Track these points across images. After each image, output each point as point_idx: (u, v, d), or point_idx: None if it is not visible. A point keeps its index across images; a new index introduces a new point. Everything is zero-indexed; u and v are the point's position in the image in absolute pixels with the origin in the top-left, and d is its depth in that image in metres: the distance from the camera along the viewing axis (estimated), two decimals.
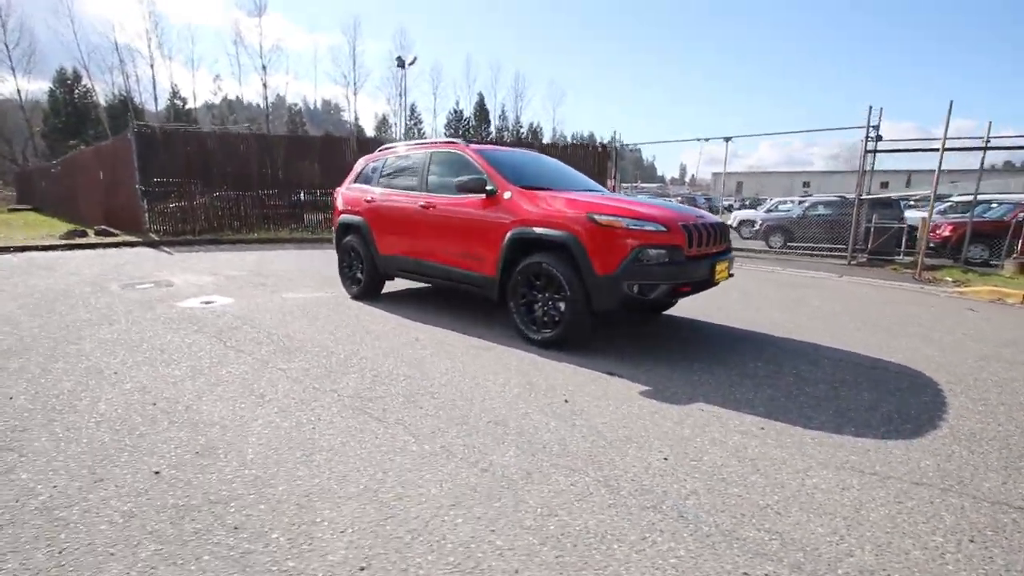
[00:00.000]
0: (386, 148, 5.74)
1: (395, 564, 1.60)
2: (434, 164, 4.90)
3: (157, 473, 2.09)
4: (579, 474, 2.13)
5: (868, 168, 10.97)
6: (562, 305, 3.75)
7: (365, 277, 5.50)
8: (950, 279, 8.02)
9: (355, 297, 5.66)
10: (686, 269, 3.54)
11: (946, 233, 11.18)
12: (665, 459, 2.27)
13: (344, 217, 5.73)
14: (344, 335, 4.20)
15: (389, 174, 5.39)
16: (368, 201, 5.40)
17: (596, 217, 3.55)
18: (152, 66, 48.12)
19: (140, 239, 11.47)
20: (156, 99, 49.99)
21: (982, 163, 10.31)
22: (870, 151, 10.91)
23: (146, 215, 12.27)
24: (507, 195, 4.09)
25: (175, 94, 50.12)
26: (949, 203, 14.80)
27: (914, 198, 16.42)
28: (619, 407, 2.82)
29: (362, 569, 1.57)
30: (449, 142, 4.93)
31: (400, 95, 51.52)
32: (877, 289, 7.37)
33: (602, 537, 1.74)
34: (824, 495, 2.02)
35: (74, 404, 2.78)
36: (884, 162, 12.40)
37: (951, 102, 9.02)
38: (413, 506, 1.89)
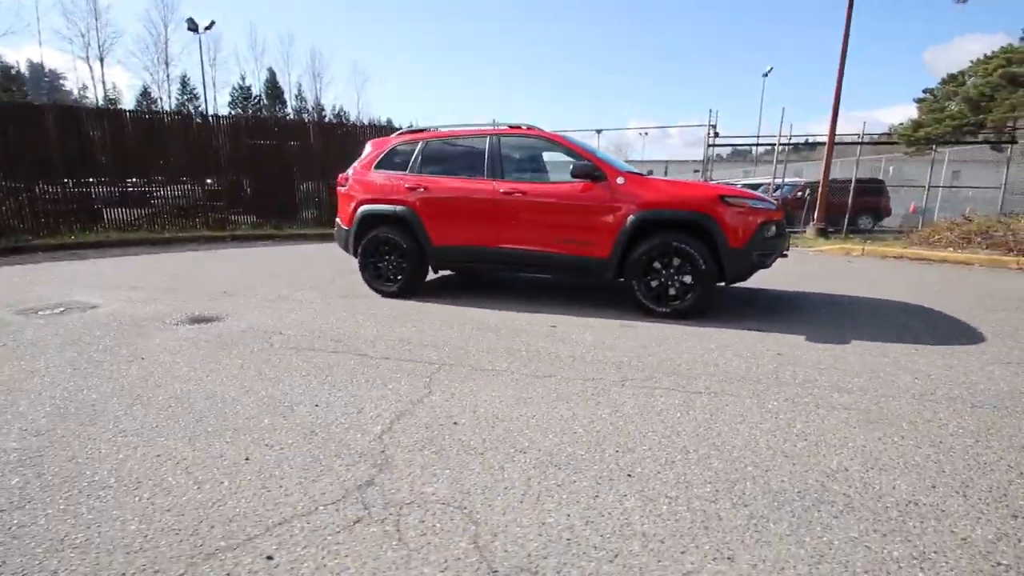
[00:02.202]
0: (409, 132, 5.28)
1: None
2: (507, 149, 4.77)
3: None
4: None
5: (711, 157, 13.71)
6: (688, 278, 4.20)
7: (408, 272, 5.04)
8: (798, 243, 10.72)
9: (390, 295, 5.14)
10: (787, 239, 4.34)
11: None
12: (779, 354, 2.98)
13: (371, 208, 5.11)
14: (524, 345, 3.96)
15: (435, 160, 5.01)
16: (413, 189, 4.93)
17: (728, 199, 4.09)
18: None
19: None
20: None
21: (775, 154, 13.80)
22: (711, 144, 13.62)
23: None
24: (620, 180, 4.32)
25: None
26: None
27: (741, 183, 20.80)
28: (818, 348, 3.45)
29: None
30: (524, 127, 4.85)
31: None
32: None
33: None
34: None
35: None
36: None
37: (783, 108, 11.89)
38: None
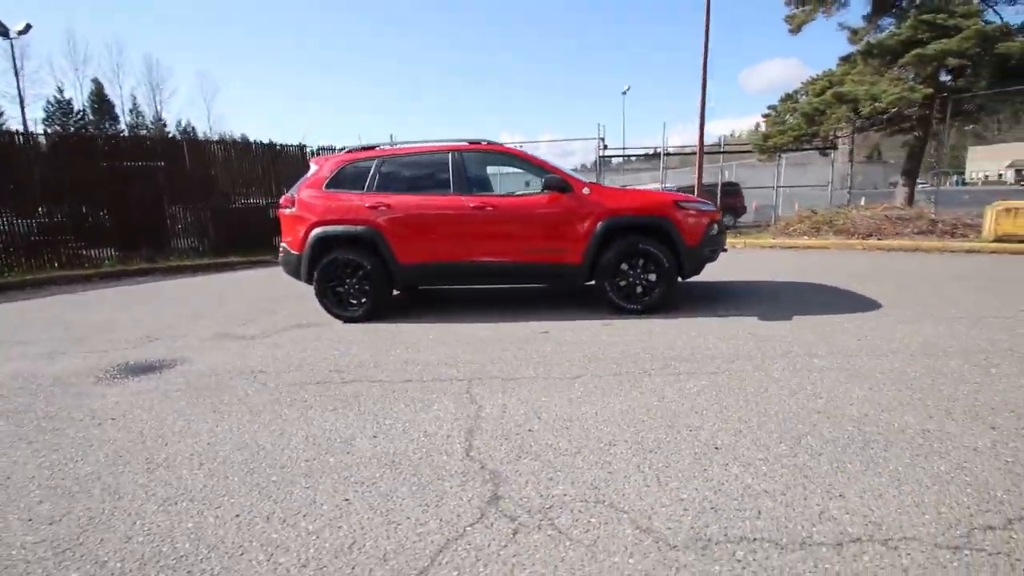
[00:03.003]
0: (359, 149, 5.11)
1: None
2: (470, 164, 4.85)
3: None
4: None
5: (601, 167, 14.93)
6: (652, 276, 4.64)
7: (373, 295, 4.87)
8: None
9: (353, 320, 4.91)
10: (725, 236, 4.99)
11: None
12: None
13: (327, 230, 4.84)
14: (512, 354, 3.99)
15: (394, 177, 4.90)
16: (375, 208, 4.78)
17: (682, 204, 4.61)
18: None
19: None
20: None
21: (662, 162, 15.47)
22: (601, 155, 14.84)
23: None
24: (585, 191, 4.64)
25: None
26: None
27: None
28: (776, 326, 4.05)
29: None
30: (484, 143, 4.96)
31: None
32: None
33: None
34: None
35: None
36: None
37: (664, 123, 13.37)
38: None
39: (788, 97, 12.84)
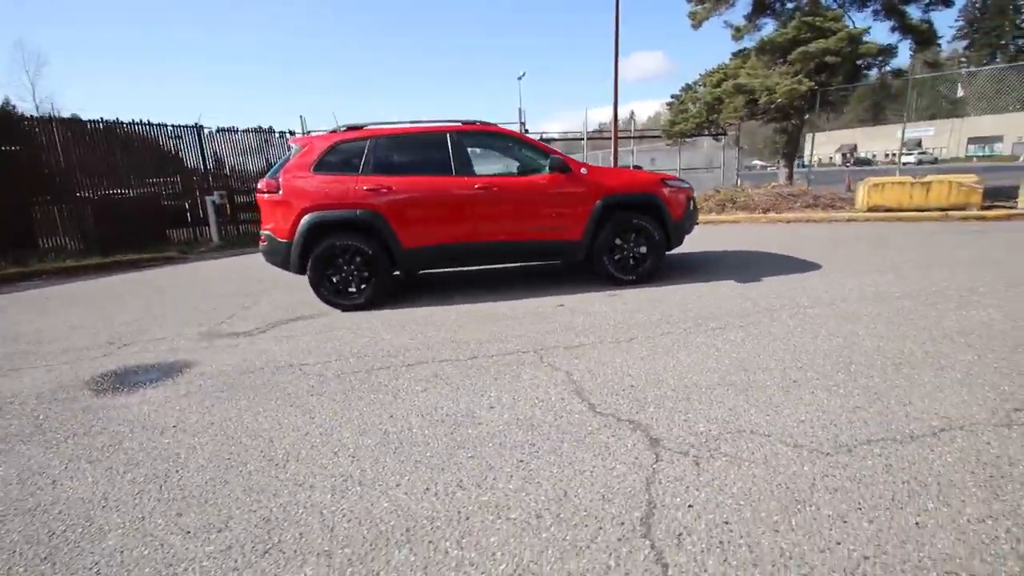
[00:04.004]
0: (347, 130, 4.88)
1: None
2: (468, 146, 4.86)
3: None
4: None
5: None
6: (644, 249, 5.08)
7: (376, 281, 4.75)
8: None
9: (353, 308, 4.76)
10: (698, 211, 5.58)
11: None
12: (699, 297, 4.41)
13: (322, 215, 4.60)
14: (535, 331, 4.12)
15: (389, 159, 4.76)
16: (375, 190, 4.63)
17: (668, 182, 5.08)
18: None
19: None
20: None
21: (584, 146, 16.22)
22: None
23: None
24: (583, 171, 4.92)
25: None
26: None
27: None
28: (753, 287, 4.68)
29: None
30: (478, 123, 4.98)
31: None
32: None
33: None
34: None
35: None
36: None
37: (586, 109, 14.01)
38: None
39: (688, 88, 14.19)
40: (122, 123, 10.99)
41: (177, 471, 2.17)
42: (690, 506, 1.75)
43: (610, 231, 4.94)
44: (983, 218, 8.44)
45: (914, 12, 11.98)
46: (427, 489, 1.93)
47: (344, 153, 4.72)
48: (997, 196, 9.21)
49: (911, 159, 43.44)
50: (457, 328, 4.00)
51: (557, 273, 5.94)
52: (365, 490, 1.95)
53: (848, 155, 49.43)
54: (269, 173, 4.91)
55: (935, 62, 17.71)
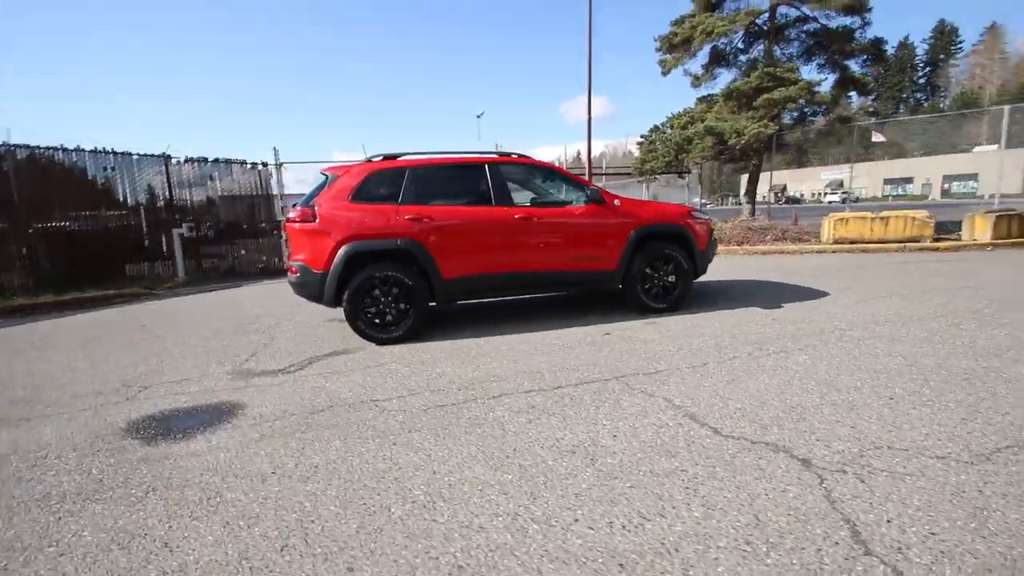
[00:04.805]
0: (383, 159, 4.81)
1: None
2: (504, 177, 4.89)
3: None
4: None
5: None
6: (672, 278, 5.23)
7: (416, 312, 4.60)
8: None
9: (391, 342, 4.57)
10: (717, 242, 5.83)
11: None
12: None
13: (362, 244, 4.45)
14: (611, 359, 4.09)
15: (427, 188, 4.71)
16: (416, 220, 4.54)
17: (695, 214, 5.30)
18: None
19: None
20: None
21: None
22: None
23: None
24: (616, 202, 5.05)
25: None
26: None
27: None
28: (780, 312, 4.90)
29: None
30: (515, 156, 5.04)
31: None
32: None
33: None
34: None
35: None
36: None
37: (565, 146, 14.39)
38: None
39: (656, 129, 15.04)
40: (81, 150, 10.25)
41: (313, 521, 1.96)
42: (889, 521, 1.76)
43: (642, 261, 5.06)
44: (936, 249, 9.31)
45: (854, 66, 13.40)
46: (611, 523, 1.84)
47: (382, 182, 4.63)
48: (942, 229, 10.22)
49: (836, 198, 47.73)
50: (517, 359, 3.92)
51: (578, 302, 5.97)
52: (545, 528, 1.83)
53: (779, 194, 53.59)
54: (301, 201, 4.72)
55: (846, 116, 19.72)
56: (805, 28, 14.16)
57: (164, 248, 11.55)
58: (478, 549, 1.74)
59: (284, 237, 13.35)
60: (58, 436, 2.97)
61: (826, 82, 12.99)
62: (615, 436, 2.52)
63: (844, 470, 2.10)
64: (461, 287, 4.74)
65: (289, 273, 4.73)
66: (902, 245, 9.63)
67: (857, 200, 46.63)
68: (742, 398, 2.90)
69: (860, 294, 5.70)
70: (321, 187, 4.69)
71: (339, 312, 5.80)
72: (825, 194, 49.48)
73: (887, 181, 51.56)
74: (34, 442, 2.89)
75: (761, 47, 14.53)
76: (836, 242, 10.16)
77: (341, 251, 4.40)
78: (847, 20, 13.33)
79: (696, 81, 15.64)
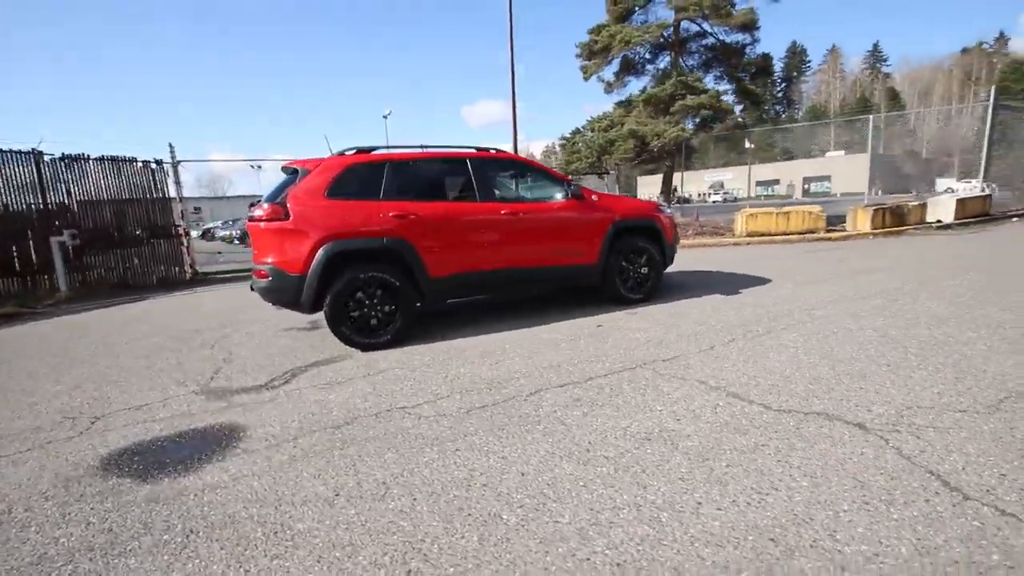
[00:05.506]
0: (359, 152, 4.48)
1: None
2: (487, 172, 4.77)
3: None
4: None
5: None
6: (645, 270, 5.45)
7: (402, 314, 4.34)
8: None
9: (377, 347, 4.27)
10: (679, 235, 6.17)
11: None
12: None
13: (345, 243, 4.10)
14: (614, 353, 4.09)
15: (409, 183, 4.46)
16: (401, 216, 4.27)
17: (660, 209, 5.55)
18: None
19: None
20: None
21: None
22: None
23: None
24: (594, 198, 5.15)
25: None
26: None
27: None
28: (742, 298, 5.31)
29: None
30: (493, 150, 4.92)
31: None
32: None
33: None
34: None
35: None
36: None
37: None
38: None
39: (577, 131, 15.64)
40: None
41: (423, 541, 1.77)
42: (963, 468, 1.98)
43: (619, 254, 5.21)
44: (830, 239, 10.66)
45: (745, 78, 14.93)
46: (734, 501, 1.87)
47: (361, 177, 4.30)
48: (829, 222, 11.72)
49: (718, 198, 52.89)
50: (526, 355, 3.84)
51: (550, 298, 5.99)
52: (676, 514, 1.81)
53: (672, 194, 58.23)
54: (267, 197, 4.24)
55: (740, 123, 22.02)
56: (704, 42, 15.55)
57: (35, 259, 9.78)
58: (625, 544, 1.67)
59: (186, 244, 12.02)
60: (12, 484, 2.38)
61: (727, 93, 14.35)
62: (679, 420, 2.56)
63: (897, 430, 2.31)
64: (449, 286, 4.55)
65: (256, 278, 4.23)
66: (802, 236, 10.90)
67: (735, 200, 52.24)
68: (766, 375, 3.09)
69: (796, 280, 6.34)
70: (287, 183, 4.26)
71: (295, 321, 5.37)
72: (709, 195, 54.68)
73: (758, 183, 58.10)
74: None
75: (667, 58, 15.71)
76: (749, 235, 11.24)
77: (321, 251, 4.02)
78: (740, 36, 14.84)
79: (608, 87, 16.53)
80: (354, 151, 4.49)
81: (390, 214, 4.24)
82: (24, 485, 2.37)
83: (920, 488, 1.87)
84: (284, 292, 4.09)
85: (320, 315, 4.28)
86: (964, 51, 68.93)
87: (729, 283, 6.34)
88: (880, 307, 4.59)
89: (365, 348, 4.22)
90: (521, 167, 5.21)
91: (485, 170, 4.76)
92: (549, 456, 2.29)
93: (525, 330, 4.58)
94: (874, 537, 1.64)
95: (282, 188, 4.23)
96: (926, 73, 68.98)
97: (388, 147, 4.61)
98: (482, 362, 3.74)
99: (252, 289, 4.54)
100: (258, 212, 4.11)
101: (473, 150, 4.87)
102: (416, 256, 4.31)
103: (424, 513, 1.92)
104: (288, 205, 4.04)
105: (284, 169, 4.53)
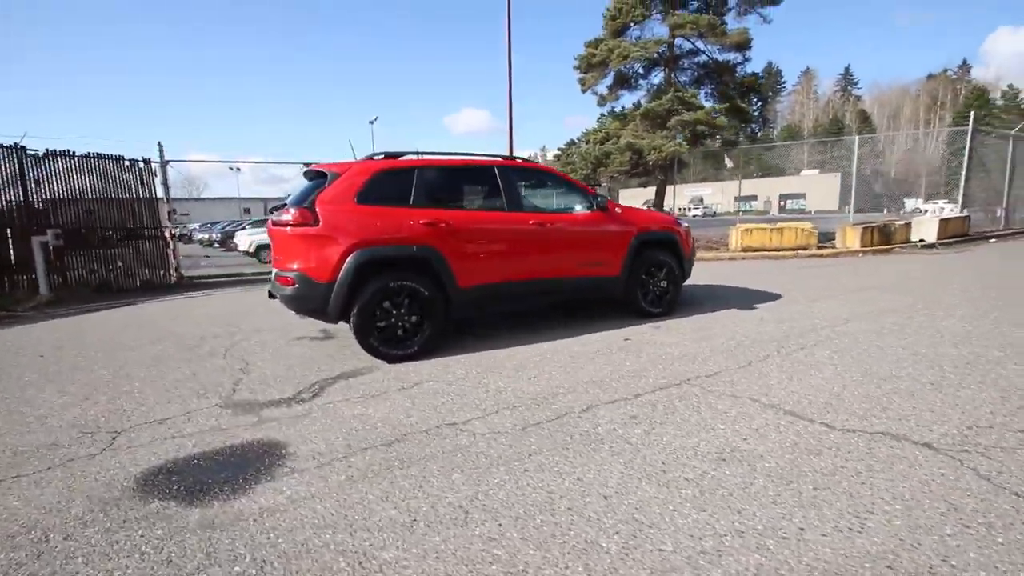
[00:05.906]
0: (387, 157, 4.39)
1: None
2: (515, 181, 4.71)
3: None
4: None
5: None
6: (665, 283, 5.45)
7: (433, 325, 4.23)
8: None
9: (405, 358, 4.15)
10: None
11: None
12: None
13: (376, 251, 3.98)
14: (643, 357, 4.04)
15: (438, 191, 4.38)
16: (432, 224, 4.18)
17: (681, 222, 5.57)
18: None
19: None
20: None
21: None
22: None
23: None
24: (618, 210, 5.14)
25: None
26: None
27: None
28: (760, 311, 5.35)
29: None
30: (520, 160, 4.88)
31: None
32: None
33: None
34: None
35: None
36: None
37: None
38: None
39: (572, 143, 15.74)
40: None
41: (525, 572, 1.67)
42: None
43: (641, 267, 5.20)
44: (822, 255, 10.91)
45: (736, 95, 15.28)
46: (836, 527, 1.83)
47: (391, 183, 4.19)
48: (819, 239, 12.01)
49: (698, 212, 53.96)
50: (564, 369, 3.77)
51: (570, 311, 5.94)
52: (781, 541, 1.76)
53: (661, 207, 59.19)
54: (292, 202, 4.10)
55: (730, 140, 22.53)
56: (696, 60, 15.88)
57: (14, 259, 9.30)
58: (742, 574, 1.61)
59: (172, 247, 11.59)
60: (41, 508, 2.20)
61: (720, 113, 14.64)
62: (745, 439, 2.53)
63: (966, 450, 2.32)
64: (477, 297, 4.45)
65: (280, 284, 4.06)
66: (795, 252, 11.13)
67: (715, 215, 53.34)
68: (815, 393, 3.09)
69: (806, 295, 6.43)
70: (315, 187, 4.12)
71: (306, 329, 5.21)
72: (689, 209, 55.73)
73: (737, 198, 59.61)
74: (5, 519, 2.11)
75: (660, 74, 15.97)
76: (744, 249, 11.43)
77: (351, 259, 3.89)
78: (731, 55, 15.20)
79: (602, 100, 16.70)
80: (382, 156, 4.39)
81: (420, 221, 4.14)
82: (55, 509, 2.19)
83: (1012, 510, 1.86)
84: (311, 300, 3.94)
85: (331, 324, 4.14)
86: (930, 77, 72.24)
87: (741, 298, 6.40)
88: (900, 324, 4.66)
89: (392, 360, 4.09)
90: (548, 177, 5.18)
91: (512, 179, 4.71)
92: (626, 477, 2.22)
93: (553, 343, 4.52)
94: (988, 562, 1.62)
95: (309, 192, 4.09)
96: (895, 97, 71.99)
97: (417, 153, 4.52)
98: (519, 376, 3.66)
99: (271, 296, 4.37)
100: (285, 217, 3.96)
101: (499, 158, 4.82)
102: (445, 265, 4.21)
103: (516, 540, 1.83)
104: (317, 210, 3.91)
105: (307, 173, 4.39)
